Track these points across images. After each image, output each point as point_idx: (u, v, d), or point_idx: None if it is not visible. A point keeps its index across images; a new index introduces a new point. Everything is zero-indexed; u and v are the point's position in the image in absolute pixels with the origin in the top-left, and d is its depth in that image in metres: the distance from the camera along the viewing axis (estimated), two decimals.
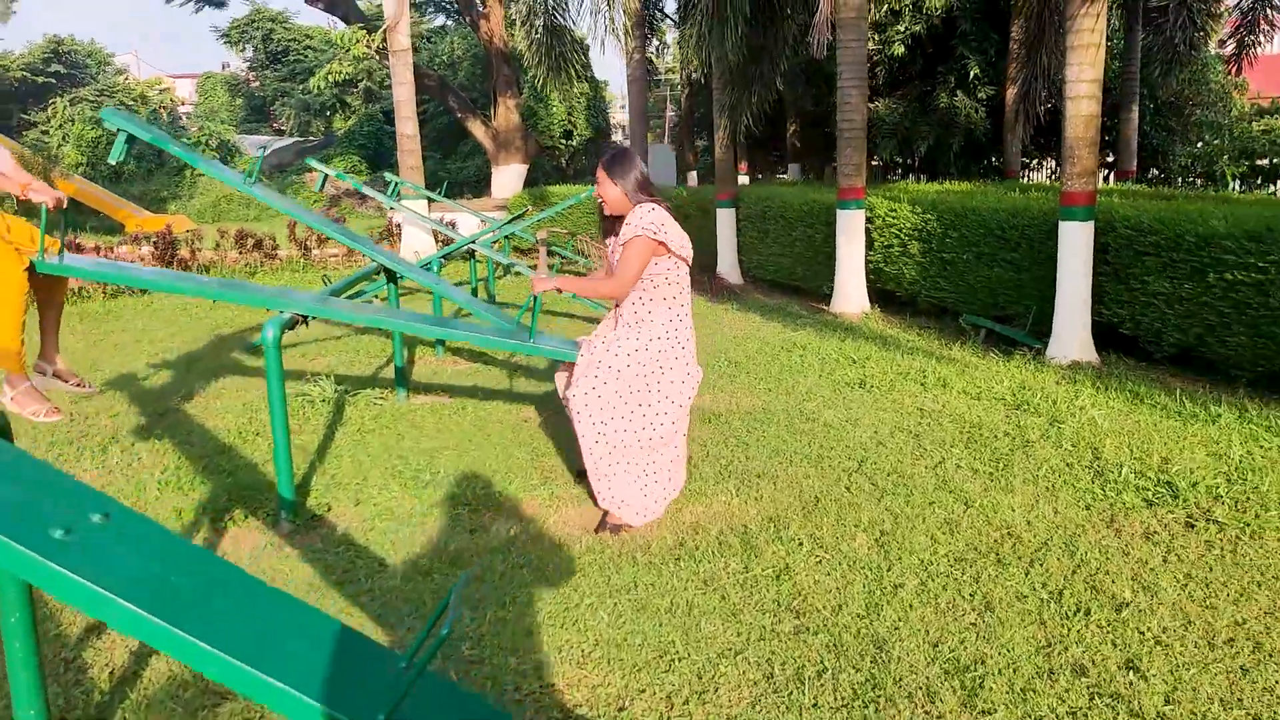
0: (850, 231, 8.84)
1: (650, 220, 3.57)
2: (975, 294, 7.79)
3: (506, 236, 11.23)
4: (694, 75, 12.65)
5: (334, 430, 5.07)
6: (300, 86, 33.89)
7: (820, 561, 3.29)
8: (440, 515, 3.83)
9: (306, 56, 35.25)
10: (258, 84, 38.99)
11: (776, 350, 7.03)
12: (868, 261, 9.03)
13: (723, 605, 3.00)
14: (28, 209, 4.22)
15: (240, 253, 12.57)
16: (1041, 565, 3.21)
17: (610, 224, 3.84)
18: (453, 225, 15.05)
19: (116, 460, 4.62)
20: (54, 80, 33.35)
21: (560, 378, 4.01)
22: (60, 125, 26.93)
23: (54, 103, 28.55)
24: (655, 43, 29.31)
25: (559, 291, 3.77)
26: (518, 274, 9.88)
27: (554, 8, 11.54)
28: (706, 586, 3.13)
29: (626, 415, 3.62)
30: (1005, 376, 5.84)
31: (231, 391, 6.02)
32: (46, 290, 4.19)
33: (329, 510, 3.91)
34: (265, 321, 3.67)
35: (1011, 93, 13.78)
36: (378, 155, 29.23)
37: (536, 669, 2.66)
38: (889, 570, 3.21)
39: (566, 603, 3.03)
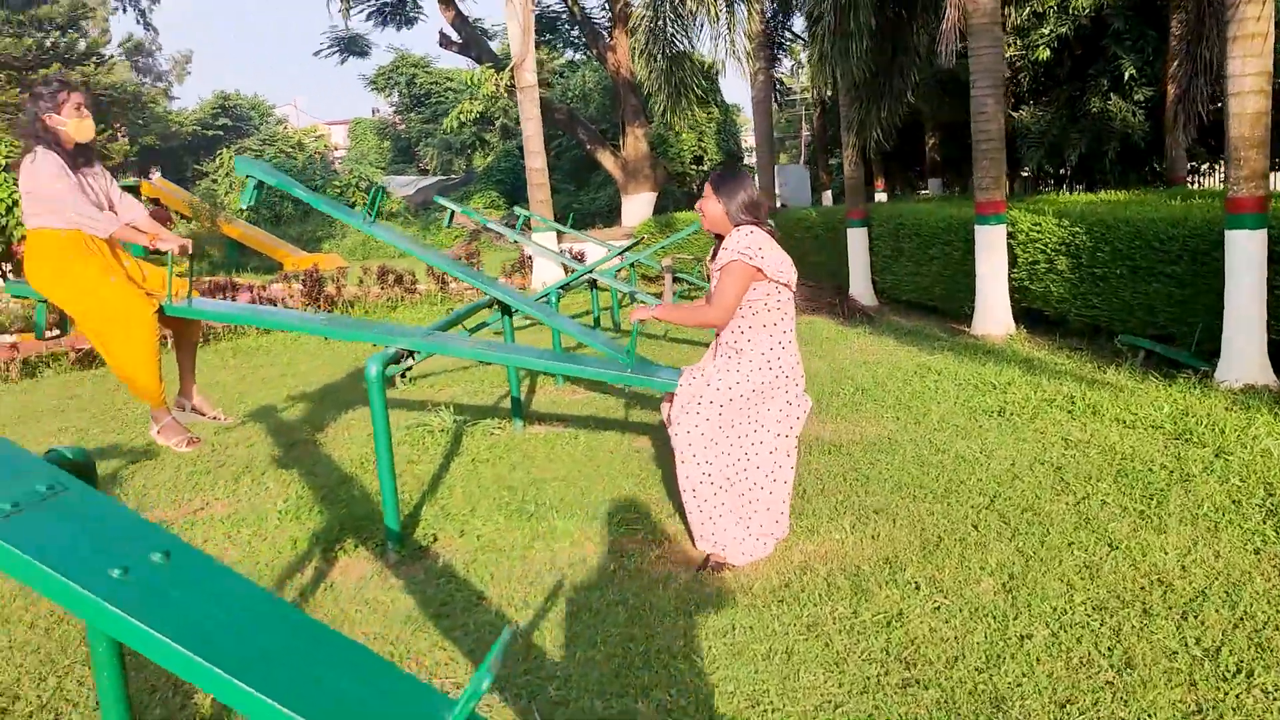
0: (991, 248, 8.36)
1: (747, 244, 3.38)
2: (1131, 312, 7.19)
3: (632, 264, 11.24)
4: (825, 94, 12.36)
5: (449, 460, 5.08)
6: (442, 127, 35.27)
7: (938, 608, 3.00)
8: (541, 549, 3.74)
9: (447, 98, 36.67)
10: (403, 126, 40.83)
11: (908, 375, 6.67)
12: (1011, 279, 8.51)
13: (825, 653, 2.76)
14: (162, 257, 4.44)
15: (382, 288, 13.02)
16: (1196, 618, 2.82)
17: (715, 248, 3.67)
18: (580, 256, 15.24)
19: (246, 490, 4.76)
20: (222, 132, 35.91)
21: (665, 407, 3.85)
22: (227, 174, 28.84)
23: (220, 154, 30.67)
24: (789, 63, 29.07)
25: (656, 320, 3.66)
26: (641, 302, 9.82)
27: (673, 35, 11.51)
28: (809, 632, 2.89)
29: (729, 450, 3.45)
30: (1165, 402, 5.32)
31: (360, 423, 6.14)
32: (180, 331, 4.40)
33: (435, 541, 3.88)
34: (370, 357, 3.68)
35: (1172, 92, 12.84)
36: (515, 189, 29.99)
37: (621, 716, 2.49)
38: (1015, 619, 2.89)
39: (659, 645, 2.86)
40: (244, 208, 5.03)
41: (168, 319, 4.27)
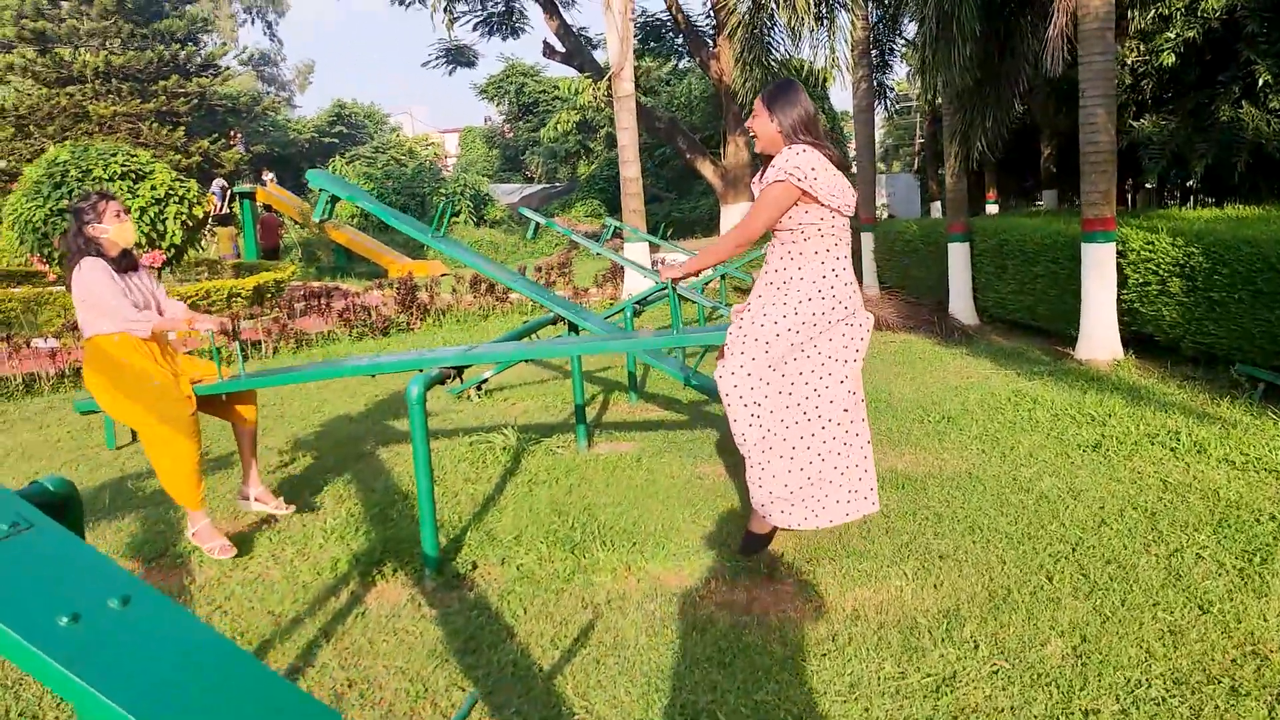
0: (1098, 267, 7.86)
1: (798, 163, 3.04)
2: (1252, 339, 6.62)
3: (723, 276, 11.04)
4: (929, 101, 11.93)
5: (506, 481, 5.00)
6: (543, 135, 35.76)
7: (996, 671, 2.73)
8: (580, 582, 3.59)
9: (554, 107, 37.15)
10: (511, 135, 41.52)
11: (1001, 402, 6.29)
12: (1120, 301, 7.98)
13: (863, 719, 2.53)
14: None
15: (474, 296, 13.15)
16: None
17: (764, 168, 3.31)
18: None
19: (300, 507, 4.72)
20: (337, 140, 37.18)
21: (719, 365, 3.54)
22: None
23: (332, 161, 31.72)
24: (904, 69, 28.35)
25: (696, 275, 3.42)
26: (721, 317, 9.59)
27: (769, 43, 11.26)
28: (849, 694, 2.66)
29: (785, 390, 3.13)
30: None
31: (434, 438, 6.11)
32: (237, 420, 4.42)
33: (474, 569, 3.78)
34: (413, 378, 3.63)
35: None
36: (616, 198, 30.05)
37: None
38: (1082, 689, 2.60)
39: (683, 700, 2.67)
40: (317, 221, 5.06)
41: (222, 408, 4.34)
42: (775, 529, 3.58)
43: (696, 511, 4.31)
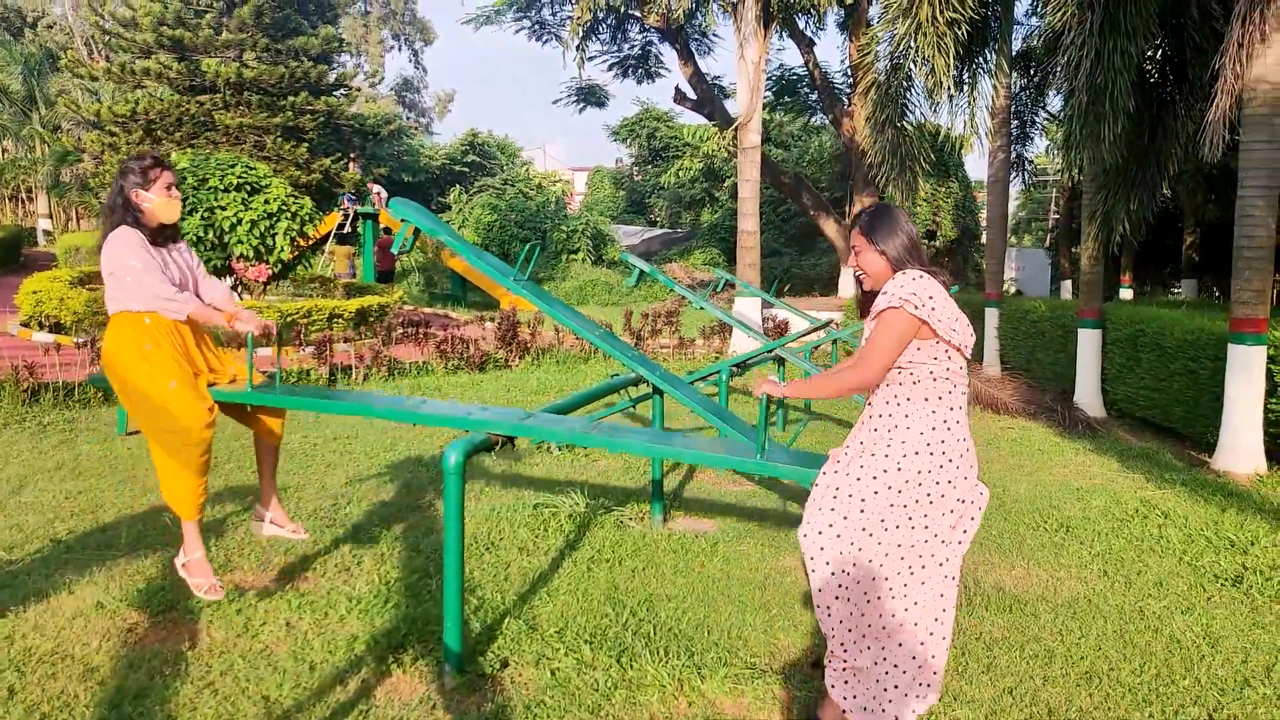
0: (1245, 371, 7.17)
1: (913, 289, 2.68)
2: None
3: (834, 341, 10.61)
4: (1071, 178, 11.33)
5: (564, 556, 4.63)
6: (664, 181, 35.86)
7: None
8: (623, 699, 3.17)
9: (683, 153, 37.31)
10: (640, 178, 41.87)
11: (1128, 514, 5.71)
12: (1268, 410, 7.26)
13: None
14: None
15: (577, 338, 13.02)
16: None
17: (869, 303, 2.94)
18: (784, 327, 14.69)
19: (336, 564, 4.43)
20: (468, 169, 38.08)
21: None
22: (459, 210, 30.44)
23: (453, 189, 32.41)
24: (1045, 143, 27.40)
25: (788, 397, 2.95)
26: None
27: (905, 103, 10.87)
28: None
29: (878, 559, 2.68)
30: None
31: (493, 492, 5.84)
32: (260, 431, 4.06)
33: (503, 668, 3.39)
34: (452, 443, 3.24)
35: None
36: (736, 248, 29.91)
37: None
38: None
39: None
40: (396, 253, 4.87)
41: (246, 417, 4.01)
42: None
43: (771, 618, 3.91)
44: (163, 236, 3.80)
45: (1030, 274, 26.58)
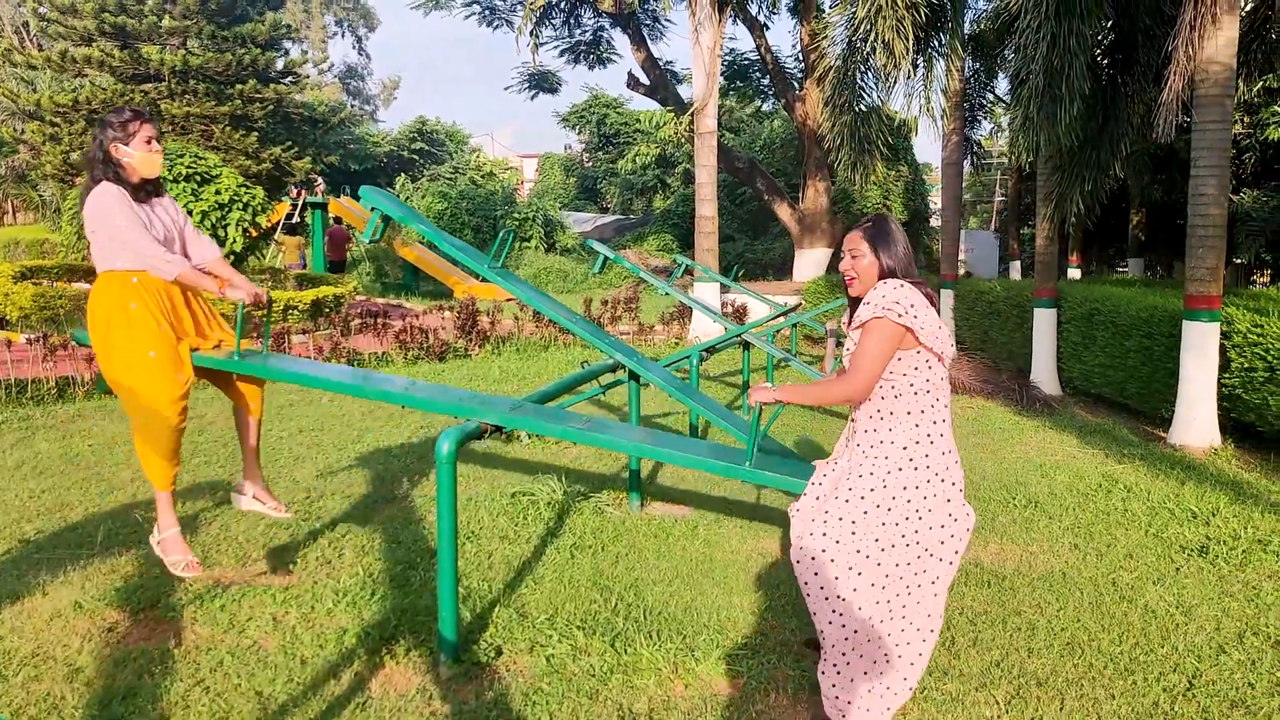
0: (1199, 348, 7.36)
1: (895, 298, 2.69)
2: None
3: (794, 326, 10.68)
4: (1025, 160, 11.50)
5: (546, 543, 4.62)
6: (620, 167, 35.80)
7: None
8: (618, 684, 3.18)
9: (635, 140, 37.21)
10: (590, 164, 41.69)
11: (1092, 488, 5.85)
12: (1221, 385, 7.46)
13: None
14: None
15: (536, 325, 12.97)
16: None
17: (856, 308, 2.94)
18: (742, 311, 14.75)
19: (318, 556, 4.36)
20: (417, 157, 37.58)
21: (793, 510, 3.09)
22: (407, 198, 30.03)
23: (399, 178, 31.94)
24: (989, 125, 27.82)
25: (780, 403, 2.92)
26: (799, 374, 9.22)
27: (862, 87, 10.96)
28: None
29: (877, 582, 2.68)
30: None
31: (476, 481, 5.79)
32: (242, 402, 3.96)
33: (497, 656, 3.37)
34: (445, 431, 3.21)
35: None
36: (690, 234, 29.89)
37: None
38: None
39: None
40: (365, 241, 4.81)
41: (229, 386, 3.93)
42: None
43: (758, 599, 3.94)
44: (144, 192, 3.68)
45: (979, 255, 26.99)
